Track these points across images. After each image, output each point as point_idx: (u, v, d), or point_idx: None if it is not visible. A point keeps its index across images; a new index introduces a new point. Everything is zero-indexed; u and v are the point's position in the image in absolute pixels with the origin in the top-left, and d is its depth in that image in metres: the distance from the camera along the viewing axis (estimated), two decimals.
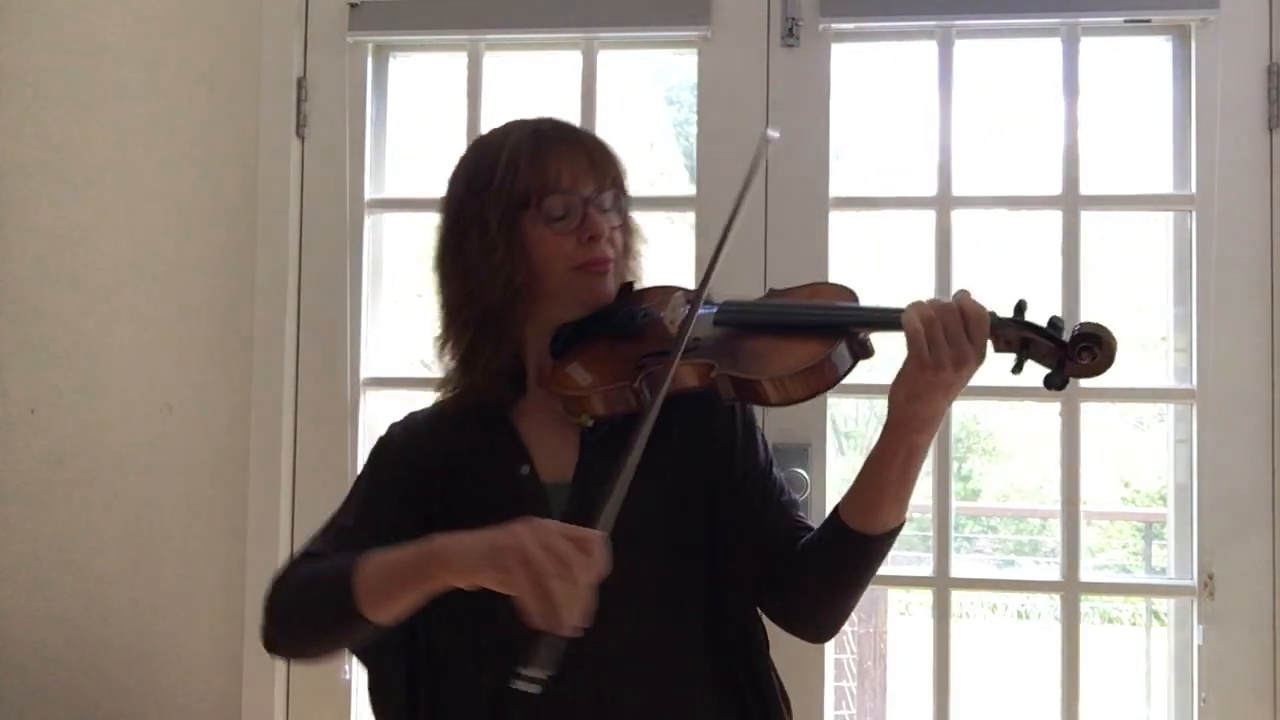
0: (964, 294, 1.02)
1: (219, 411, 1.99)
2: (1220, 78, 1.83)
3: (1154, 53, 1.97)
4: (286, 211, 1.98)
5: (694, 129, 1.96)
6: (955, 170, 1.89)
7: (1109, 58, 2.14)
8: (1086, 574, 1.86)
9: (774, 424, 1.84)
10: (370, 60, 2.02)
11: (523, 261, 1.15)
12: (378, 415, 1.96)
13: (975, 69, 2.00)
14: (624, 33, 1.97)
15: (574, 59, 1.97)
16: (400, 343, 2.12)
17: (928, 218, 1.90)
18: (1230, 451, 1.80)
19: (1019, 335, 1.00)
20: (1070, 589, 1.85)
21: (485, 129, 1.98)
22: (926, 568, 1.88)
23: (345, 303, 1.97)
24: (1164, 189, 1.93)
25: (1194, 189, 1.84)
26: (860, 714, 4.81)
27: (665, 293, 1.18)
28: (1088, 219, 1.88)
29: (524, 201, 1.15)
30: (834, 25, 1.90)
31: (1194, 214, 1.84)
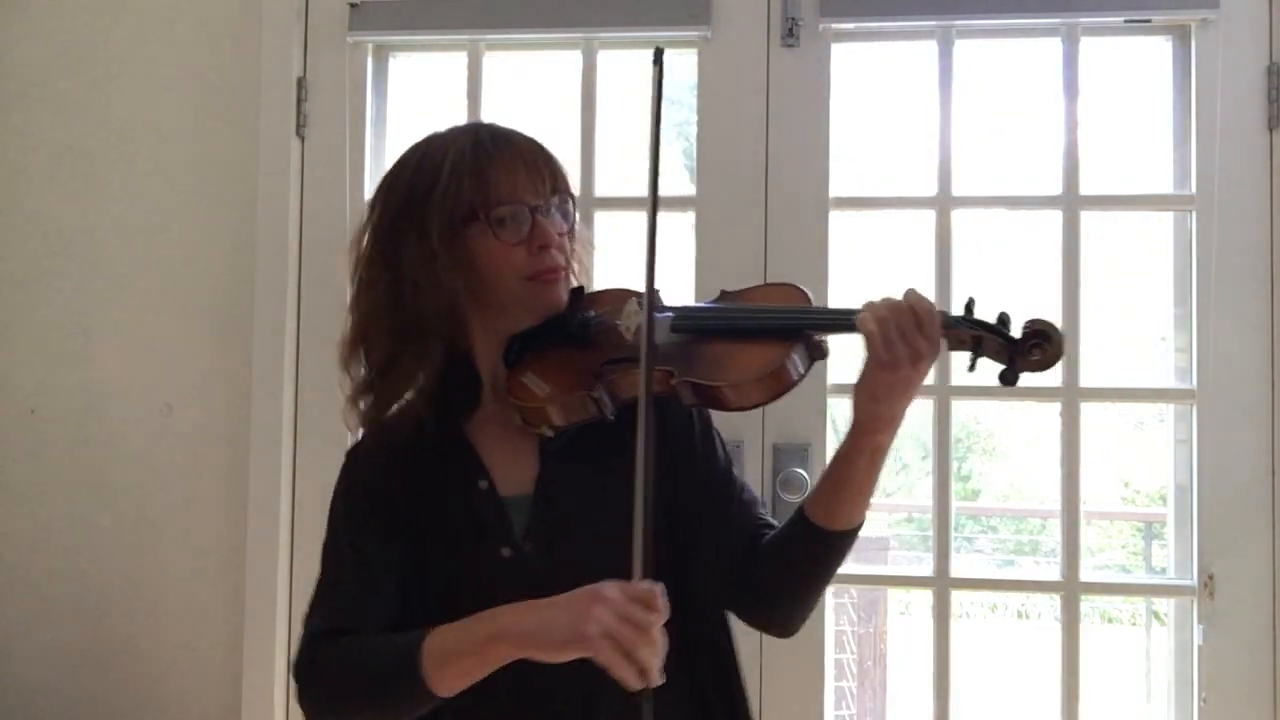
0: (912, 292, 1.04)
1: (219, 411, 1.99)
2: (1220, 78, 1.83)
3: (1154, 53, 1.97)
4: (286, 211, 1.98)
5: (694, 129, 1.95)
6: (955, 170, 1.89)
7: (1109, 58, 2.14)
8: (1086, 574, 1.86)
9: (774, 424, 1.84)
10: (370, 60, 2.02)
11: (466, 273, 1.14)
12: None
13: (975, 69, 2.00)
14: (624, 33, 1.97)
15: (574, 59, 1.97)
16: None
17: (928, 218, 1.90)
18: (1230, 451, 1.80)
19: (970, 333, 1.03)
20: (1070, 589, 1.85)
21: None
22: (926, 568, 1.88)
23: (345, 303, 1.96)
24: (1164, 189, 1.93)
25: (1194, 189, 1.84)
26: (860, 714, 4.81)
27: (616, 296, 1.17)
28: (1088, 219, 1.88)
29: (469, 213, 1.13)
30: (834, 25, 1.90)
31: (1194, 214, 1.84)
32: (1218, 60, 1.83)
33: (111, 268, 2.03)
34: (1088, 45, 1.89)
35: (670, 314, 1.13)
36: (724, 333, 1.11)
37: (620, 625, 0.94)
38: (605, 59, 1.97)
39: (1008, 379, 1.02)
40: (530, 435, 1.15)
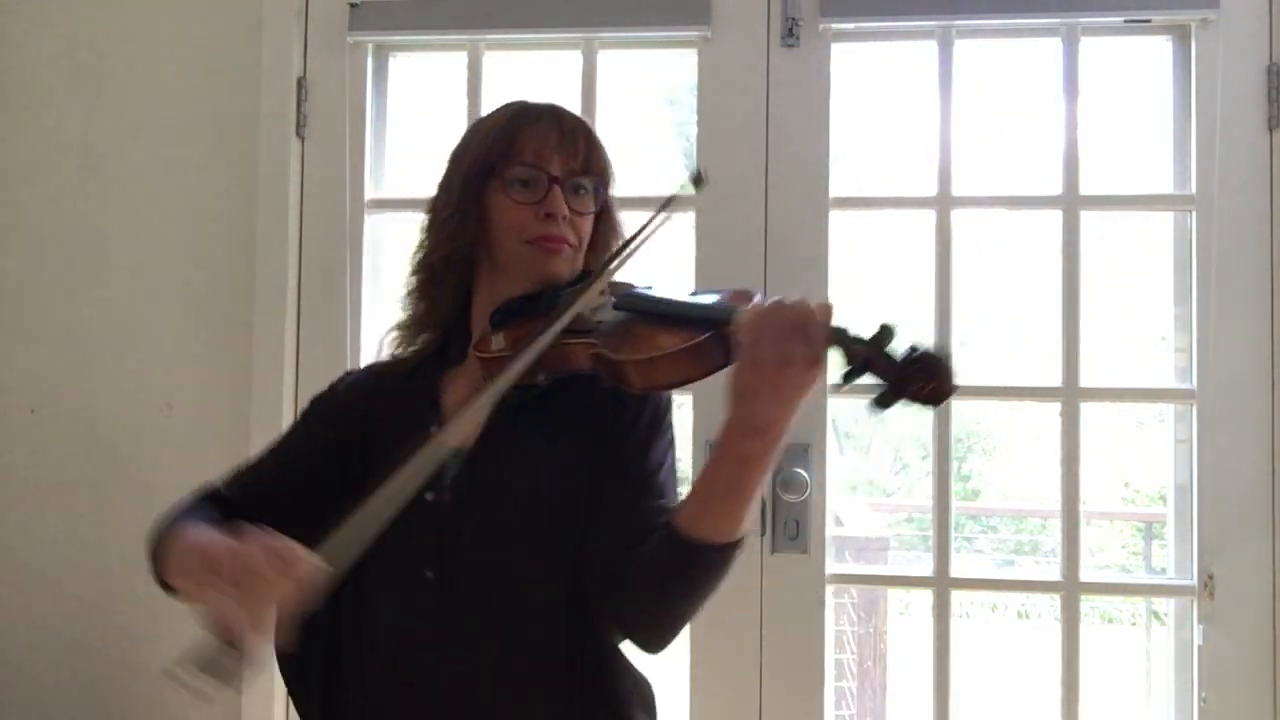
0: (803, 301, 0.98)
1: (219, 411, 1.99)
2: (1220, 78, 1.83)
3: (1154, 53, 1.97)
4: (286, 211, 1.98)
5: (694, 129, 1.95)
6: (955, 170, 1.89)
7: (1109, 58, 2.14)
8: (1086, 574, 1.86)
9: None
10: (370, 60, 2.03)
11: (476, 226, 1.18)
12: None
13: (975, 69, 2.00)
14: (624, 33, 1.97)
15: (574, 59, 1.97)
16: None
17: (928, 218, 1.90)
18: (1230, 451, 1.81)
19: (861, 352, 0.96)
20: (1070, 589, 1.85)
21: None
22: (926, 568, 1.88)
23: (345, 303, 1.97)
24: (1164, 189, 1.93)
25: (1194, 189, 1.84)
26: (860, 714, 4.81)
27: (615, 284, 1.19)
28: (1088, 219, 1.88)
29: (489, 169, 1.18)
30: (834, 25, 1.90)
31: (1194, 214, 1.84)
32: (1218, 60, 1.83)
33: (111, 268, 2.03)
34: (1088, 45, 1.89)
35: (624, 296, 1.15)
36: (654, 315, 1.10)
37: (239, 573, 0.91)
38: (605, 59, 1.97)
39: (883, 402, 0.95)
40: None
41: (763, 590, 1.84)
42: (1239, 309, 1.81)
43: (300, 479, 1.22)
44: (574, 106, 1.93)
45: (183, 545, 1.04)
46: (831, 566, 1.86)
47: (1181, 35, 1.89)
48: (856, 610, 4.89)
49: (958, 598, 2.12)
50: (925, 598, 2.05)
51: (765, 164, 1.89)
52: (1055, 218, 1.88)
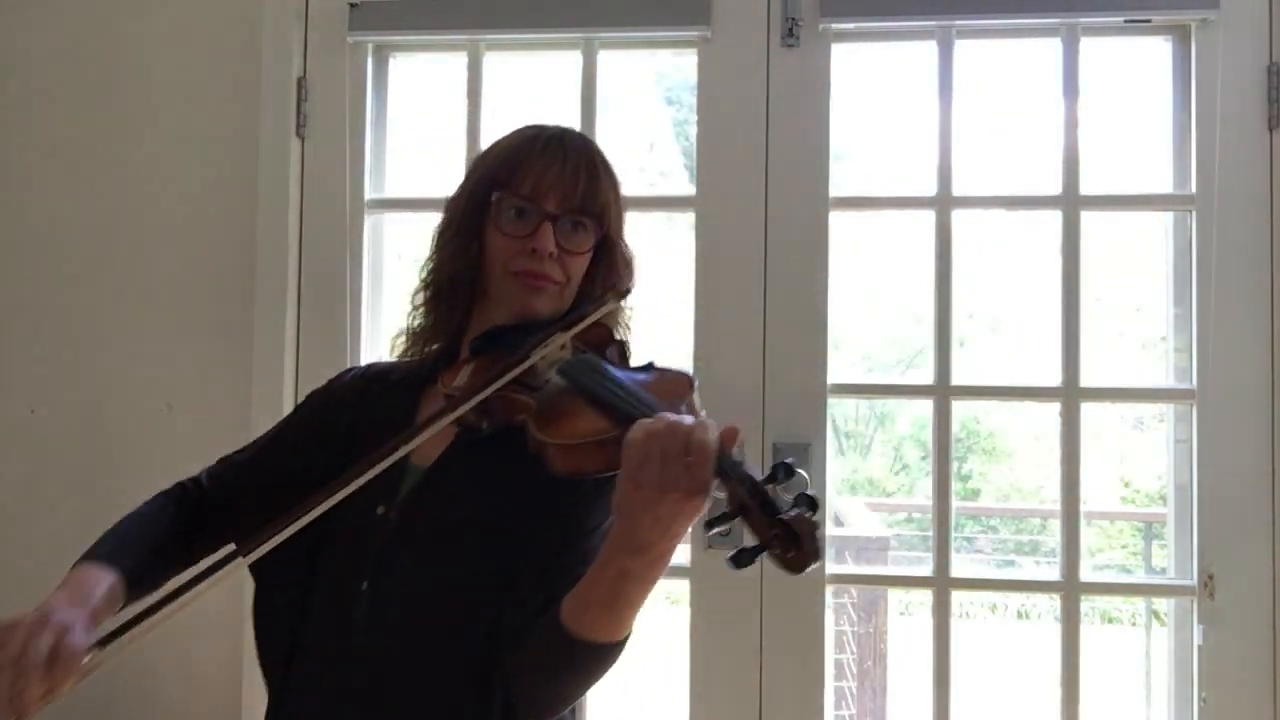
0: (702, 425, 0.92)
1: (219, 411, 1.99)
2: (1220, 78, 1.83)
3: (1154, 53, 1.97)
4: (286, 211, 1.98)
5: (694, 129, 1.95)
6: (955, 170, 1.89)
7: (1109, 58, 2.14)
8: (1086, 574, 1.86)
9: (774, 424, 1.84)
10: (370, 60, 2.02)
11: (473, 251, 1.19)
12: None
13: (975, 69, 2.00)
14: (624, 33, 1.97)
15: (574, 59, 1.97)
16: None
17: (928, 218, 1.90)
18: (1230, 451, 1.81)
19: (742, 497, 0.90)
20: (1070, 589, 1.85)
21: (485, 129, 2.00)
22: (926, 568, 1.88)
23: (345, 302, 1.97)
24: (1164, 189, 1.93)
25: (1194, 189, 1.84)
26: (860, 714, 4.81)
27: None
28: (1088, 219, 1.88)
29: (489, 196, 1.18)
30: (834, 25, 1.90)
31: (1194, 214, 1.84)
32: (1218, 60, 1.83)
33: (111, 268, 2.03)
34: (1088, 45, 1.89)
35: (577, 358, 1.13)
36: (585, 392, 1.06)
37: (14, 646, 0.96)
38: (605, 59, 1.97)
39: (740, 560, 0.89)
40: None
41: (763, 590, 1.84)
42: (1239, 309, 1.81)
43: (278, 473, 1.23)
44: (574, 106, 1.95)
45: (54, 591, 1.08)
46: (831, 566, 1.86)
47: (1181, 35, 1.89)
48: (856, 610, 4.90)
49: (958, 598, 2.13)
50: (925, 598, 2.05)
51: (765, 164, 1.89)
52: (1055, 218, 1.88)
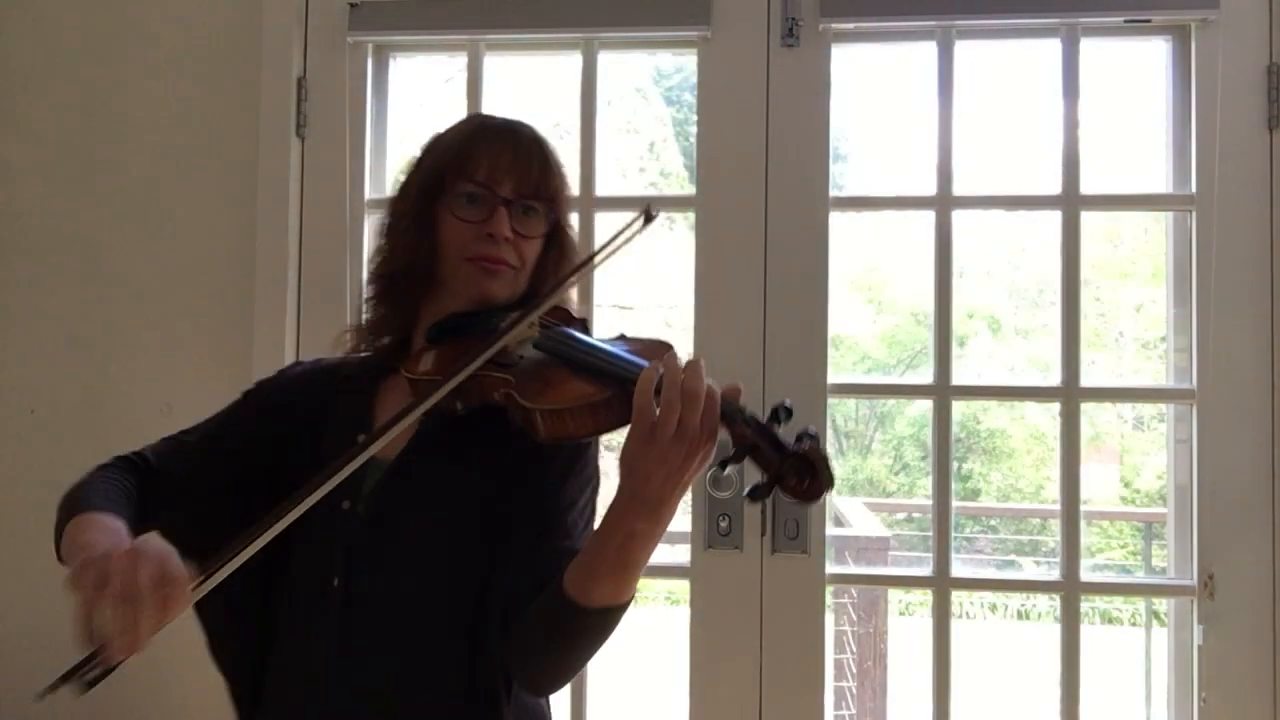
0: (698, 370, 0.95)
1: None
2: (1220, 78, 1.83)
3: (1153, 53, 1.97)
4: (286, 211, 1.98)
5: (694, 129, 1.95)
6: (955, 170, 1.89)
7: (1109, 58, 2.14)
8: (1086, 574, 1.86)
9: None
10: (370, 60, 2.03)
11: (427, 241, 1.19)
12: None
13: (975, 69, 2.00)
14: (624, 33, 1.97)
15: (574, 59, 1.97)
16: None
17: (928, 218, 1.90)
18: (1230, 451, 1.81)
19: (749, 437, 0.95)
20: (1070, 589, 1.85)
21: None
22: (926, 568, 1.88)
23: (345, 302, 1.97)
24: (1164, 189, 1.93)
25: (1194, 189, 1.84)
26: (860, 714, 4.81)
27: (558, 313, 1.18)
28: (1088, 219, 1.88)
29: (442, 183, 1.18)
30: (834, 25, 1.90)
31: (1194, 214, 1.84)
32: (1218, 60, 1.83)
33: (111, 267, 2.03)
34: (1087, 45, 1.89)
35: (541, 332, 1.14)
36: (568, 362, 1.08)
37: (117, 577, 0.90)
38: (605, 59, 1.97)
39: (757, 494, 0.94)
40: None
41: (763, 590, 1.84)
42: (1239, 309, 1.81)
43: (225, 460, 1.23)
44: (574, 106, 1.95)
45: (81, 540, 1.01)
46: (831, 566, 1.86)
47: (1181, 35, 1.89)
48: (856, 610, 4.90)
49: (958, 598, 2.12)
50: (925, 598, 2.05)
51: (765, 164, 1.89)
52: (1055, 218, 1.88)
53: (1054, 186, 1.88)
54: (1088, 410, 1.89)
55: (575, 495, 1.14)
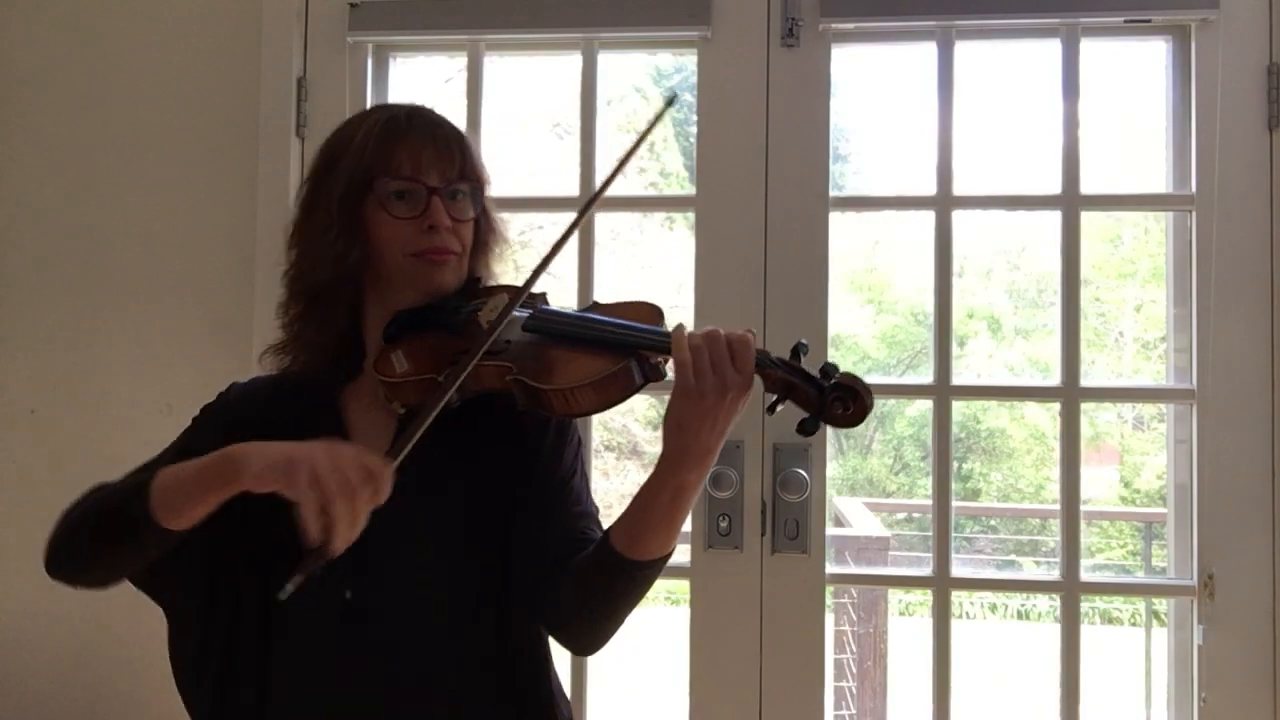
0: (718, 331, 1.02)
1: None
2: (1220, 78, 1.83)
3: (1153, 53, 1.97)
4: (286, 211, 1.97)
5: (694, 129, 1.95)
6: (955, 170, 1.89)
7: (1109, 58, 2.14)
8: (1086, 574, 1.86)
9: (774, 424, 1.84)
10: (370, 60, 2.03)
11: (358, 244, 1.17)
12: None
13: (975, 69, 2.00)
14: (624, 33, 1.97)
15: (574, 59, 1.97)
16: None
17: (927, 218, 1.90)
18: (1230, 451, 1.81)
19: (783, 377, 1.02)
20: (1070, 589, 1.85)
21: (486, 128, 2.00)
22: (926, 568, 1.88)
23: None
24: (1164, 189, 1.93)
25: (1194, 189, 1.84)
26: (860, 714, 4.82)
27: (503, 292, 1.19)
28: (1088, 219, 1.88)
29: (367, 184, 1.16)
30: (834, 25, 1.90)
31: (1194, 214, 1.84)
32: (1218, 60, 1.83)
33: (111, 267, 2.03)
34: (1087, 46, 1.89)
35: (527, 313, 1.15)
36: (566, 338, 1.10)
37: (331, 475, 0.93)
38: (605, 59, 1.97)
39: (807, 428, 1.01)
40: (390, 411, 1.17)
41: (763, 590, 1.84)
42: (1239, 309, 1.81)
43: None
44: (574, 106, 1.95)
45: (189, 471, 1.03)
46: (831, 566, 1.87)
47: (1181, 35, 1.89)
48: (856, 610, 4.90)
49: (958, 598, 2.12)
50: (925, 598, 2.05)
51: (765, 164, 1.89)
52: (1055, 218, 1.88)
53: (1054, 186, 1.88)
54: (1088, 410, 1.89)
55: (572, 462, 1.20)
